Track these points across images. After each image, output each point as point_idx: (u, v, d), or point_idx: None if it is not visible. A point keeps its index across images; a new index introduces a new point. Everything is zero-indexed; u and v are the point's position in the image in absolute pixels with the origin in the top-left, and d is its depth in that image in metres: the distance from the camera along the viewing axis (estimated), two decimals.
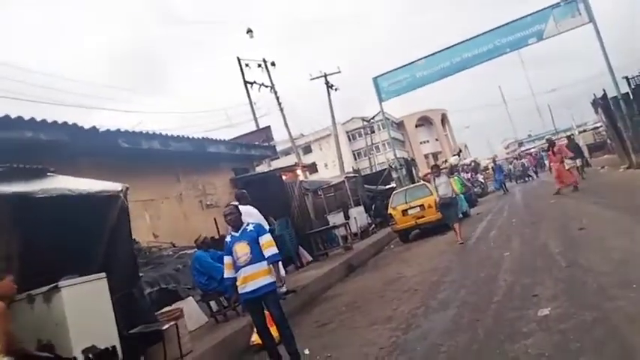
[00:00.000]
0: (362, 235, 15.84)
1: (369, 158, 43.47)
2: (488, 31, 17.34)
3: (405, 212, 13.21)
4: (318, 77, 27.52)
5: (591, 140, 32.75)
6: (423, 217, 12.97)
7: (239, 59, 21.24)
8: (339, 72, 27.31)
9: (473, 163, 27.05)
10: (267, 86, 21.12)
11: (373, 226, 17.07)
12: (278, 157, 14.42)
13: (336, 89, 27.98)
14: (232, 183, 12.72)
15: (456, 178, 15.94)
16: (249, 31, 19.38)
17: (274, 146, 14.67)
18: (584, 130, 40.19)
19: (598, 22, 15.95)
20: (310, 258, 12.24)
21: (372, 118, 30.05)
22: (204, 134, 14.80)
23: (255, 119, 21.08)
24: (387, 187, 20.33)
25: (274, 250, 4.90)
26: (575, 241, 6.35)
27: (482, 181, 26.26)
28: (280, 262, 5.16)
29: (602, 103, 17.06)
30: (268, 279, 4.71)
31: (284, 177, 12.82)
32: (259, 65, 21.26)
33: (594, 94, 17.37)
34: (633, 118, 16.00)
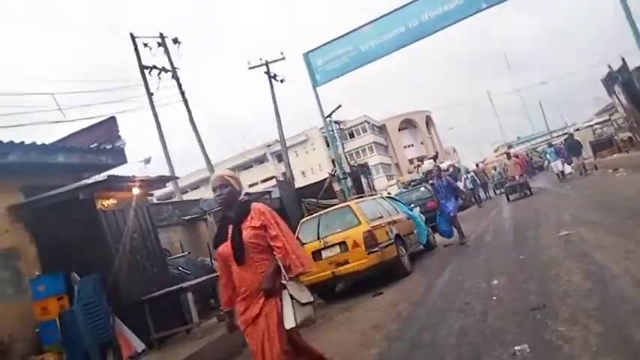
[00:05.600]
0: None
1: (344, 163, 38.17)
2: None
3: (317, 254, 7.86)
4: (258, 66, 22.22)
5: (592, 138, 27.88)
6: (346, 262, 7.63)
7: (133, 36, 15.87)
8: (283, 58, 21.97)
9: (451, 169, 21.84)
10: (167, 70, 15.74)
11: None
12: (125, 163, 9.01)
13: (281, 80, 22.72)
14: (14, 212, 7.32)
15: None
16: None
17: (122, 148, 9.25)
18: (578, 129, 35.58)
19: None
20: (140, 347, 6.83)
21: (330, 114, 24.68)
22: None
23: (155, 114, 15.72)
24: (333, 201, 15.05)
25: None
26: None
27: (463, 189, 21.02)
28: None
29: (622, 79, 11.93)
30: None
31: (104, 202, 7.39)
32: (159, 44, 15.88)
33: (609, 66, 12.22)
34: None
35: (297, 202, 14.73)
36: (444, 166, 23.06)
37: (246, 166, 63.84)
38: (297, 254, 2.90)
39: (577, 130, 34.30)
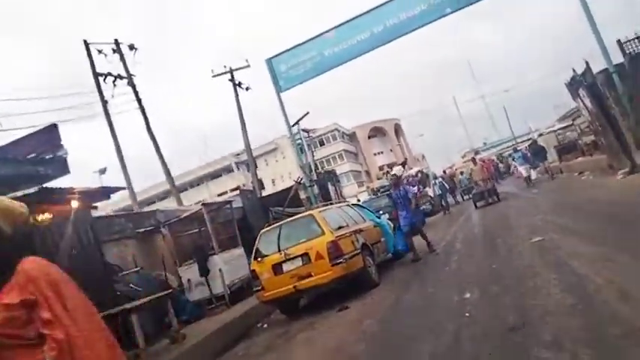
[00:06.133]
0: (236, 295, 9.80)
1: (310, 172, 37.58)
2: None
3: (277, 268, 7.28)
4: (222, 73, 21.55)
5: (555, 143, 28.43)
6: (309, 275, 7.08)
7: (86, 43, 14.97)
8: (248, 66, 21.39)
9: (419, 175, 21.68)
10: (122, 78, 14.88)
11: None
12: (68, 174, 8.23)
13: (247, 88, 22.14)
14: None
15: None
16: None
17: (64, 158, 8.46)
18: (541, 134, 36.40)
19: None
20: None
21: (297, 122, 24.15)
22: None
23: (110, 123, 14.82)
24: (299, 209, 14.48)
25: None
26: None
27: (432, 195, 20.87)
28: None
29: (586, 83, 11.92)
30: None
31: (38, 216, 6.62)
32: (114, 51, 15.03)
33: (573, 70, 12.22)
34: (634, 98, 10.91)
35: (263, 211, 14.11)
36: (412, 171, 22.91)
37: (214, 176, 62.57)
38: (91, 350, 1.70)
39: (540, 135, 35.04)
